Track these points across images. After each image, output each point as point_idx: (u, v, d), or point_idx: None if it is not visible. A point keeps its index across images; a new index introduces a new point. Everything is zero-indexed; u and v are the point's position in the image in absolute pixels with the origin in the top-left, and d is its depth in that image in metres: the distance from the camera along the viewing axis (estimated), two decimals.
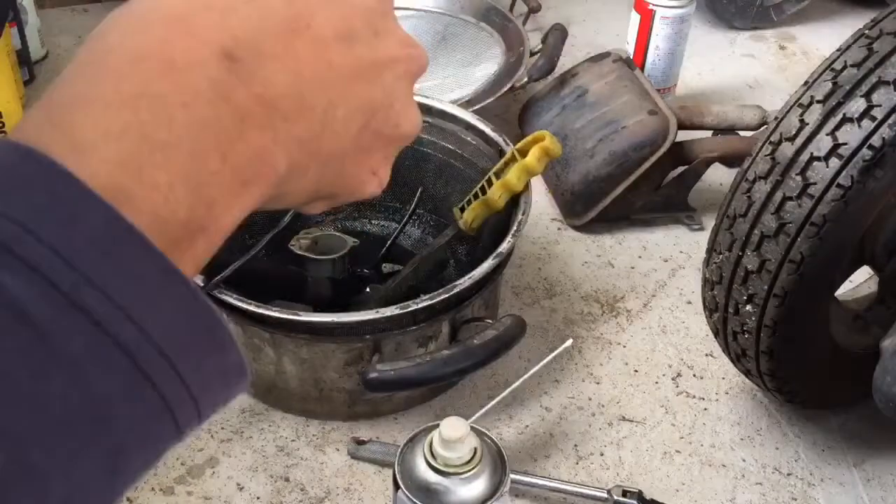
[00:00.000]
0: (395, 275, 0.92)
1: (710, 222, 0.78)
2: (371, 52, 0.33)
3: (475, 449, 0.61)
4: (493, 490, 0.61)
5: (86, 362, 0.22)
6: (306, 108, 0.31)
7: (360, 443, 0.82)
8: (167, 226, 0.26)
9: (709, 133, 1.13)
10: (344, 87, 0.32)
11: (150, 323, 0.23)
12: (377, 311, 0.76)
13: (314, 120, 0.31)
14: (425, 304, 0.76)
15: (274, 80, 0.29)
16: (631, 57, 1.21)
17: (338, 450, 0.82)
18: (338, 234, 0.93)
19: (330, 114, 0.32)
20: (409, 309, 0.76)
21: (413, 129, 0.37)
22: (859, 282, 0.91)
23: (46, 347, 0.22)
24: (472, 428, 0.61)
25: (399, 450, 0.63)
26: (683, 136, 1.08)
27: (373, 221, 1.05)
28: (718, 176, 1.11)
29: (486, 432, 0.65)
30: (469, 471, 0.60)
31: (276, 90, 0.30)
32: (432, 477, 0.60)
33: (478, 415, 0.65)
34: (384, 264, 0.99)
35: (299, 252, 0.88)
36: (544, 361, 0.74)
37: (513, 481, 0.79)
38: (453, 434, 0.59)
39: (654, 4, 1.19)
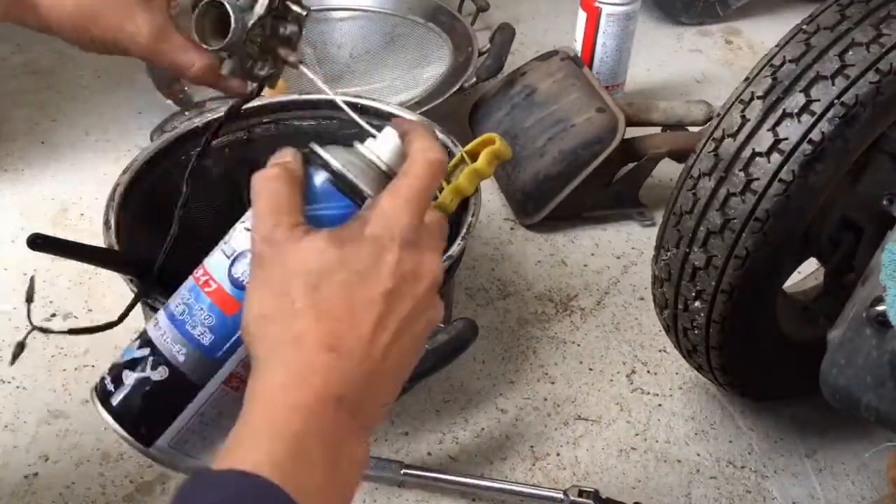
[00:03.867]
0: None
1: (661, 218, 0.78)
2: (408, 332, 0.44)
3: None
4: None
5: None
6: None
7: None
8: None
9: (657, 129, 1.13)
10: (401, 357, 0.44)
11: None
12: None
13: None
14: None
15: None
16: (579, 55, 1.21)
17: None
18: None
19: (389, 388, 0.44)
20: None
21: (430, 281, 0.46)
22: (806, 273, 0.92)
23: None
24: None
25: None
26: (632, 132, 1.08)
27: None
28: (669, 171, 1.11)
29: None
30: None
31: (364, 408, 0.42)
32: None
33: None
34: None
35: None
36: None
37: (469, 485, 0.78)
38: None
39: (600, 2, 1.19)
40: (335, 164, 0.46)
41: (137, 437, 0.47)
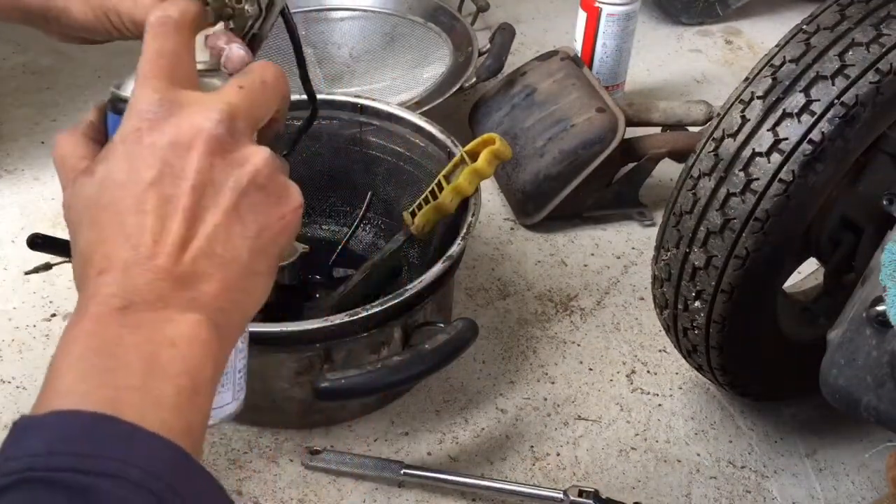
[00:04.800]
0: (346, 280, 0.91)
1: (661, 218, 0.78)
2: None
3: None
4: None
5: None
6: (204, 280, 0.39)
7: (314, 452, 0.81)
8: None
9: (657, 129, 1.13)
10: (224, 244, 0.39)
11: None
12: (326, 320, 0.75)
13: (218, 277, 0.39)
14: (375, 310, 0.75)
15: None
16: (579, 55, 1.21)
17: (291, 460, 0.81)
18: None
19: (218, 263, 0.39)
20: (359, 316, 0.75)
21: (255, 171, 0.40)
22: (806, 273, 0.92)
23: None
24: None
25: None
26: (632, 132, 1.08)
27: (323, 227, 1.04)
28: (669, 171, 1.11)
29: None
30: None
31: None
32: None
33: None
34: (335, 269, 0.98)
35: None
36: None
37: (469, 485, 0.78)
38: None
39: (600, 2, 1.19)
40: (114, 91, 0.44)
41: None
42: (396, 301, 0.76)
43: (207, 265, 0.39)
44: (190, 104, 0.40)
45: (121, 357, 0.36)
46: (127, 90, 0.44)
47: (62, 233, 1.07)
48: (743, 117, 0.70)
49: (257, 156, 0.40)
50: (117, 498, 0.32)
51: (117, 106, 0.43)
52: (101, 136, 0.44)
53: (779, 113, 0.68)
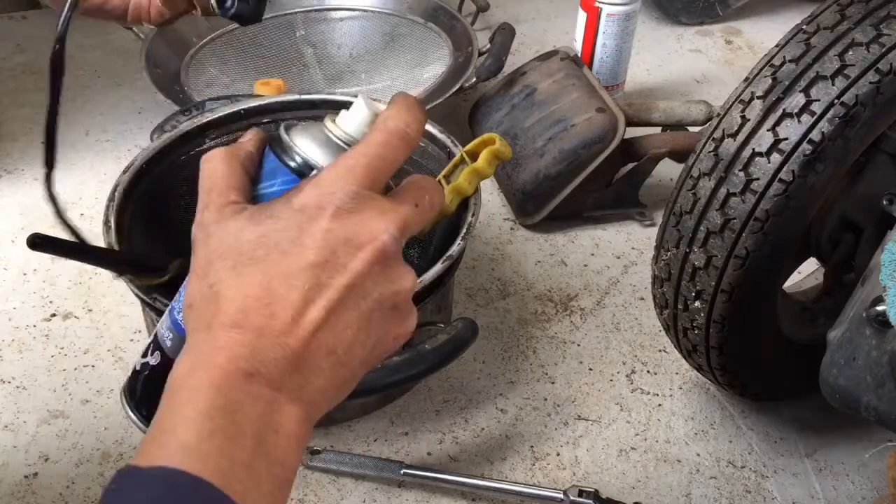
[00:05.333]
0: None
1: (661, 218, 0.78)
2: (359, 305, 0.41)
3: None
4: None
5: None
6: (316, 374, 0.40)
7: (314, 452, 0.81)
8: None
9: (657, 129, 1.13)
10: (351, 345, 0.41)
11: None
12: None
13: (328, 375, 0.40)
14: None
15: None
16: (579, 55, 1.21)
17: None
18: None
19: (338, 361, 0.40)
20: None
21: (406, 285, 0.42)
22: (806, 273, 0.92)
23: None
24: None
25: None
26: (632, 132, 1.09)
27: None
28: (669, 171, 1.11)
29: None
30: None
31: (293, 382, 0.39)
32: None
33: None
34: None
35: None
36: None
37: (469, 485, 0.78)
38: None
39: (600, 2, 1.19)
40: (284, 137, 0.45)
41: (140, 418, 0.48)
42: None
43: (324, 361, 0.40)
44: (374, 209, 0.41)
45: (238, 427, 0.36)
46: (298, 140, 0.44)
47: (62, 233, 1.07)
48: (743, 117, 0.70)
49: (407, 278, 0.42)
50: None
51: (286, 154, 0.44)
52: (254, 169, 0.45)
53: (779, 113, 0.68)
